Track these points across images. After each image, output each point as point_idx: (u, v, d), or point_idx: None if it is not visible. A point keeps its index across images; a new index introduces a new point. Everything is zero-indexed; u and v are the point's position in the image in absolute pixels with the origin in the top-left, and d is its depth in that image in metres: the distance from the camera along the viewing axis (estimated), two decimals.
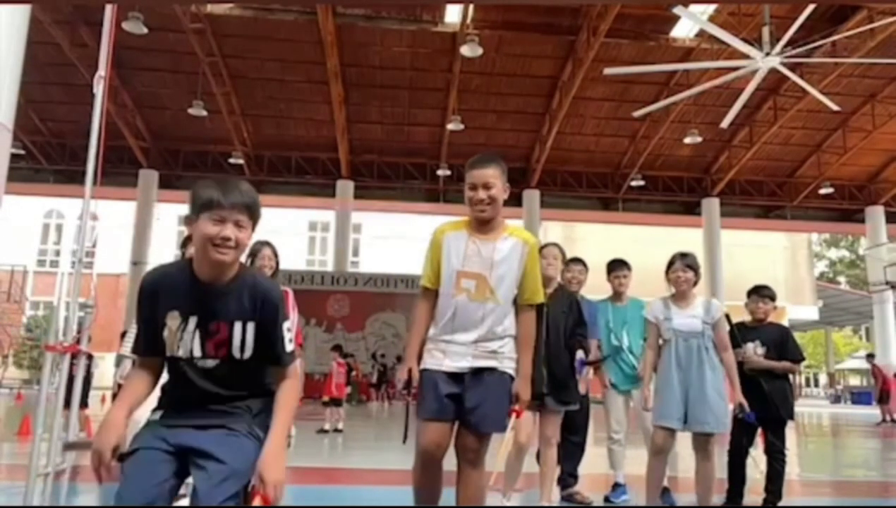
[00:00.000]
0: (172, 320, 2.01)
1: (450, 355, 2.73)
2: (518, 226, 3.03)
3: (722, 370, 3.79)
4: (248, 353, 2.03)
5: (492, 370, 2.73)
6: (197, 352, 2.01)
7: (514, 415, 2.81)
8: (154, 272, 2.11)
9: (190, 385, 2.02)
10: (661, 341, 3.93)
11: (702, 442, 3.78)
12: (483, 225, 2.81)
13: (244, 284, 2.05)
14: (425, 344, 2.83)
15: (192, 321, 2.01)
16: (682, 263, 3.88)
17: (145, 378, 2.07)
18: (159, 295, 2.03)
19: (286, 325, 2.09)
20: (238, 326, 2.02)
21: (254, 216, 2.05)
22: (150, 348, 2.05)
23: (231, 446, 1.93)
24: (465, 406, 2.67)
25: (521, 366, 2.80)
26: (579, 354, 4.09)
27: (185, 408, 2.01)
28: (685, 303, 3.88)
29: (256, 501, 1.83)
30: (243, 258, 2.17)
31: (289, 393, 2.07)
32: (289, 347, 2.08)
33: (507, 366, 2.77)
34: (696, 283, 3.90)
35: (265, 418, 2.03)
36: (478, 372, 2.71)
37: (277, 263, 4.05)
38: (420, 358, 2.81)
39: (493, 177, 2.76)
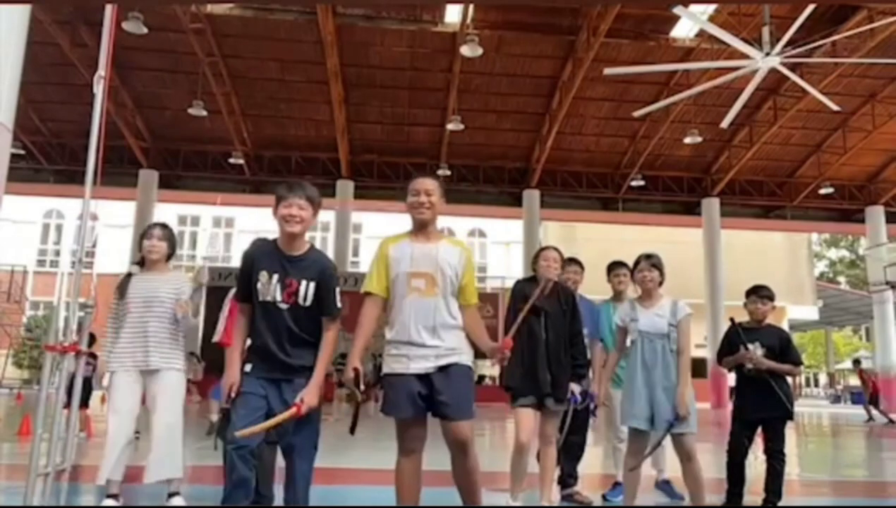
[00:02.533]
0: (263, 276, 3.07)
1: (414, 359, 3.08)
2: (454, 239, 3.42)
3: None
4: (308, 302, 3.09)
5: (454, 364, 3.09)
6: (278, 297, 3.07)
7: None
8: (252, 246, 3.23)
9: (273, 324, 3.06)
10: (629, 342, 4.00)
11: (680, 443, 3.81)
12: (422, 229, 3.23)
13: (311, 258, 3.16)
14: (386, 349, 3.19)
15: (275, 277, 3.07)
16: (647, 263, 3.97)
17: (246, 322, 3.15)
18: (254, 260, 3.13)
19: (337, 290, 3.17)
20: (304, 283, 3.08)
21: (312, 202, 3.13)
22: (246, 294, 3.13)
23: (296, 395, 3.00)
24: (439, 400, 3.03)
25: (483, 344, 3.21)
26: (574, 388, 4.12)
27: (266, 362, 3.05)
28: (650, 303, 3.95)
29: (292, 410, 2.93)
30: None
31: (327, 342, 3.14)
32: (337, 304, 3.15)
33: (466, 360, 3.16)
34: (661, 283, 3.98)
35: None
36: (443, 369, 3.07)
37: (172, 246, 4.17)
38: (369, 357, 3.19)
39: (432, 186, 3.22)
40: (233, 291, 3.71)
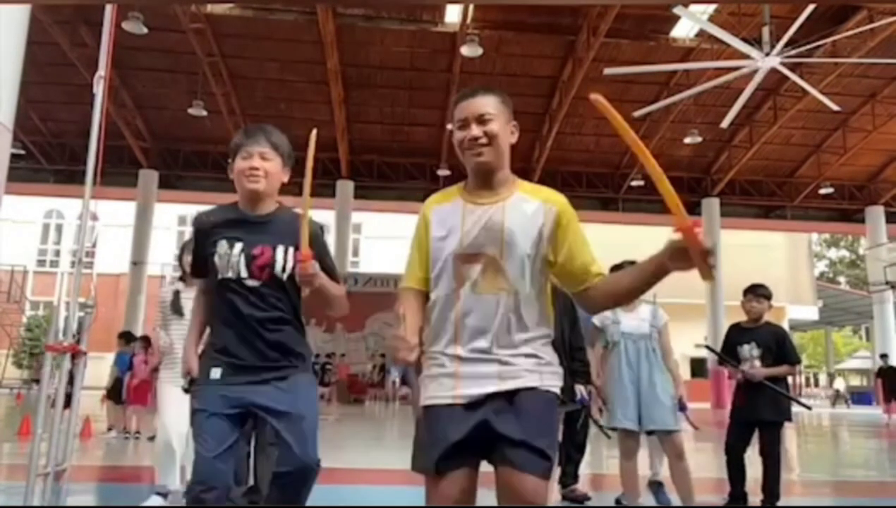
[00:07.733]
0: (221, 247, 2.34)
1: (464, 380, 1.86)
2: (539, 186, 2.16)
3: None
4: (287, 273, 2.33)
5: (525, 389, 1.86)
6: (244, 274, 2.32)
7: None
8: (204, 211, 2.47)
9: (236, 310, 2.30)
10: (610, 344, 4.07)
11: (667, 442, 3.87)
12: (483, 180, 2.04)
13: (284, 218, 2.41)
14: (425, 361, 1.95)
15: (238, 246, 2.33)
16: None
17: (206, 303, 2.47)
18: (207, 229, 2.39)
19: (330, 251, 2.47)
20: (280, 249, 2.34)
21: (278, 149, 2.39)
22: (203, 270, 2.42)
23: (294, 394, 2.28)
24: (498, 433, 1.80)
25: (642, 280, 1.99)
26: (580, 391, 4.11)
27: (232, 367, 2.29)
28: (631, 308, 4.03)
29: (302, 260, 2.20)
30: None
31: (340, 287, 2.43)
32: (334, 265, 2.43)
33: (550, 383, 1.91)
34: None
35: (310, 368, 2.43)
36: (506, 396, 1.85)
37: None
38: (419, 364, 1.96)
39: (489, 107, 2.06)
40: None
